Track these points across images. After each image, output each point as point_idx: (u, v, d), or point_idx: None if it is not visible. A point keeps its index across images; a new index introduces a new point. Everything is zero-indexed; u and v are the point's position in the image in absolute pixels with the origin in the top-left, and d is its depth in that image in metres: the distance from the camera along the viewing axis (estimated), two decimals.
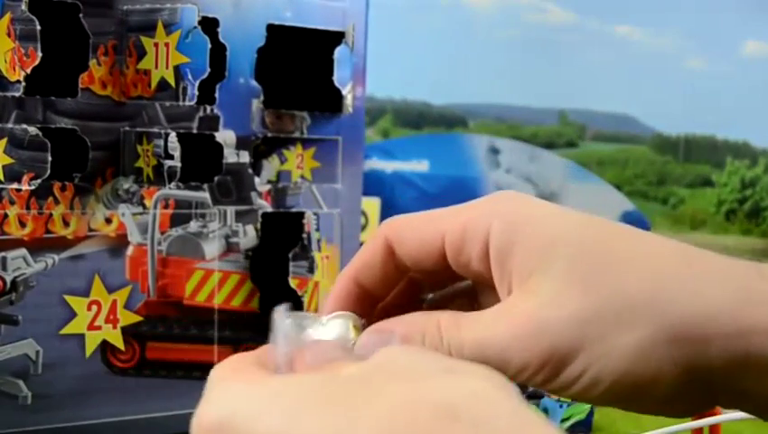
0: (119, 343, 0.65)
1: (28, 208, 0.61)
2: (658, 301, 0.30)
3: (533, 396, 0.67)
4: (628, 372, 0.30)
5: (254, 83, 0.69)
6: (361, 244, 0.83)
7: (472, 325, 0.31)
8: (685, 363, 0.30)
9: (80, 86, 0.62)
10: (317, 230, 0.72)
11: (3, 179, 0.60)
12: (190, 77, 0.64)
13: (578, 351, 0.30)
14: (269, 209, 0.70)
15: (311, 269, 0.72)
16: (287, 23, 0.69)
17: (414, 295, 0.36)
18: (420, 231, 0.33)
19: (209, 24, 0.65)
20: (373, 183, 1.00)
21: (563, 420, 0.68)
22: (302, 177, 0.72)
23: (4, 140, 0.60)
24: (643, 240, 0.32)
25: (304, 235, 0.72)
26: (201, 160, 0.67)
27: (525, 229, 0.31)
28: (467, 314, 0.32)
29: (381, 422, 0.22)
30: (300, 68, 0.72)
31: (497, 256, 0.32)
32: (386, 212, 1.01)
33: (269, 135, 0.70)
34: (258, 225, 0.70)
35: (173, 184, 0.66)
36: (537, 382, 0.31)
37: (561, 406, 0.67)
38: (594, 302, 0.30)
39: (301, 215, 0.71)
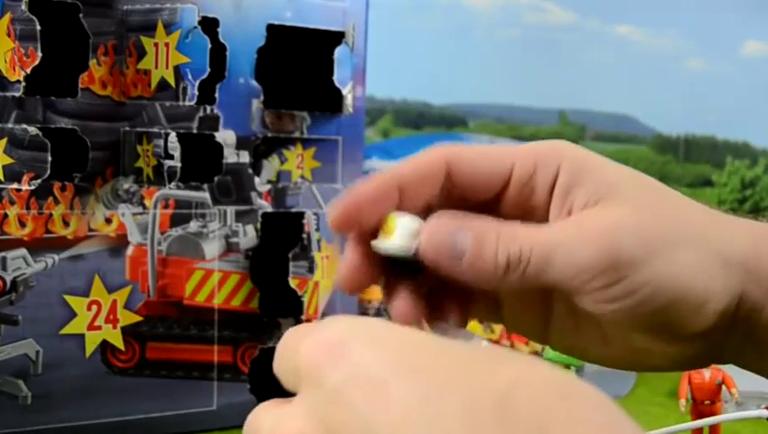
0: (119, 343, 0.65)
1: (28, 208, 0.61)
2: (713, 236, 0.33)
3: None
4: (686, 289, 0.32)
5: (254, 83, 0.69)
6: None
7: (543, 230, 0.32)
8: (733, 291, 0.33)
9: (80, 86, 0.62)
10: (317, 230, 0.72)
11: (3, 179, 0.60)
12: (190, 77, 0.64)
13: (645, 260, 0.32)
14: (269, 209, 0.70)
15: (311, 269, 0.72)
16: (287, 23, 0.69)
17: None
18: (489, 157, 0.34)
19: (209, 24, 0.65)
20: None
21: None
22: (302, 177, 0.72)
23: (4, 140, 0.60)
24: (680, 196, 0.35)
25: (304, 235, 0.72)
26: (201, 160, 0.67)
27: (592, 168, 0.33)
28: (530, 224, 0.33)
29: (503, 384, 0.22)
30: (300, 68, 0.72)
31: (563, 188, 0.33)
32: None
33: (269, 135, 0.70)
34: (258, 225, 0.70)
35: (173, 184, 0.66)
36: (598, 285, 0.32)
37: None
38: (659, 223, 0.32)
39: (301, 215, 0.71)
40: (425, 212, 0.33)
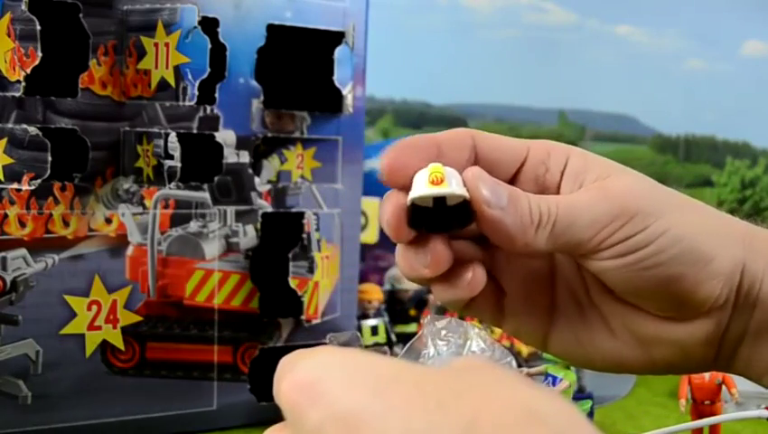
0: (119, 343, 0.65)
1: (28, 208, 0.61)
2: (720, 214, 0.37)
3: None
4: (698, 244, 0.35)
5: (254, 83, 0.69)
6: (361, 244, 0.83)
7: (562, 196, 0.36)
8: (736, 258, 0.36)
9: (80, 86, 0.62)
10: (317, 230, 0.72)
11: (3, 179, 0.60)
12: (190, 77, 0.64)
13: (662, 212, 0.35)
14: (269, 209, 0.70)
15: (311, 269, 0.72)
16: (287, 23, 0.69)
17: None
18: (508, 141, 0.38)
19: (209, 24, 0.65)
20: (373, 183, 0.99)
21: None
22: (302, 177, 0.71)
23: (4, 140, 0.60)
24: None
25: (304, 235, 0.72)
26: (201, 160, 0.67)
27: (597, 162, 0.37)
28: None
29: (468, 416, 0.23)
30: (300, 68, 0.72)
31: (573, 172, 0.37)
32: None
33: (269, 135, 0.70)
34: (258, 225, 0.70)
35: (173, 184, 0.65)
36: (617, 237, 0.35)
37: None
38: (666, 191, 0.36)
39: (301, 215, 0.71)
40: None
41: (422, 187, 0.33)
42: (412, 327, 0.93)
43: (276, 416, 0.27)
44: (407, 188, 0.34)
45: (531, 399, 0.23)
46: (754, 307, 0.36)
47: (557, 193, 0.37)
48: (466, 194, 0.33)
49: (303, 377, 0.26)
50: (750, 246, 0.36)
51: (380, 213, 0.36)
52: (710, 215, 0.37)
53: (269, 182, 0.70)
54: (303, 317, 0.72)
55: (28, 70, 0.60)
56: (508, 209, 0.34)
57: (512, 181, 0.37)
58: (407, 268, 0.36)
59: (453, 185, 0.33)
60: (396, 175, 0.35)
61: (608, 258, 0.35)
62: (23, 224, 0.61)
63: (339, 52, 0.72)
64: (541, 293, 0.38)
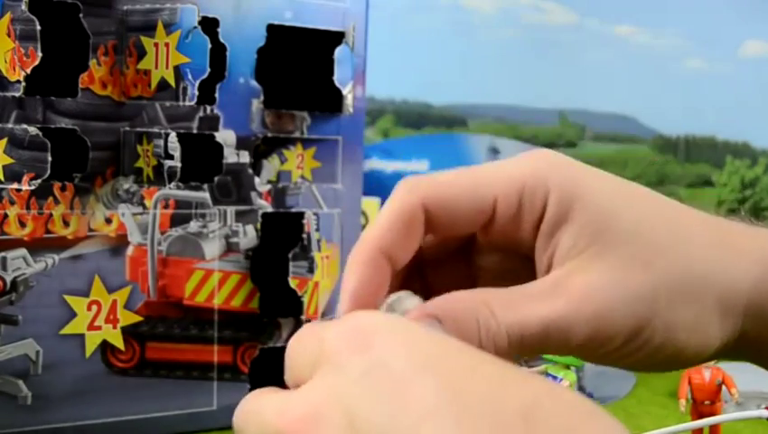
0: (119, 343, 0.65)
1: (28, 208, 0.61)
2: (713, 279, 0.32)
3: None
4: (686, 342, 0.31)
5: (254, 83, 0.69)
6: None
7: (530, 307, 0.30)
8: (731, 333, 0.32)
9: (80, 86, 0.62)
10: (317, 230, 0.72)
11: (3, 179, 0.60)
12: (190, 77, 0.64)
13: (644, 324, 0.30)
14: (269, 209, 0.70)
15: (311, 269, 0.72)
16: (287, 24, 0.69)
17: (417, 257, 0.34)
18: (468, 192, 0.32)
19: (209, 24, 0.65)
20: (373, 183, 1.00)
21: None
22: (302, 177, 0.72)
23: (4, 140, 0.60)
24: (685, 217, 0.33)
25: (304, 235, 0.72)
26: (201, 160, 0.67)
27: (582, 200, 0.31)
28: (511, 290, 0.30)
29: (527, 400, 0.23)
30: (300, 68, 0.72)
31: (549, 225, 0.31)
32: None
33: (269, 135, 0.70)
34: (258, 225, 0.70)
35: (173, 184, 0.66)
36: (597, 354, 0.31)
37: None
38: (654, 280, 0.31)
39: (301, 215, 0.71)
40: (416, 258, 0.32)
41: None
42: None
43: None
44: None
45: (590, 403, 0.23)
46: (761, 351, 0.34)
47: (532, 248, 0.32)
48: None
49: (356, 326, 0.25)
50: (755, 309, 0.32)
51: None
52: (707, 298, 0.31)
53: (269, 182, 0.70)
54: (303, 317, 0.72)
55: (28, 71, 0.60)
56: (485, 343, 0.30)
57: (483, 233, 0.33)
58: None
59: None
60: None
61: (589, 358, 0.32)
62: (23, 224, 0.61)
63: (339, 52, 0.72)
64: None
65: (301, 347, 0.27)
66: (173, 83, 0.64)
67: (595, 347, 0.31)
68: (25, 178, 0.61)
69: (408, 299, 0.31)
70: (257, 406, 0.27)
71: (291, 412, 0.25)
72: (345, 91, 0.72)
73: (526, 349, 0.30)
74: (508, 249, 0.33)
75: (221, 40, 0.66)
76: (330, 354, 0.25)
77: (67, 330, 0.63)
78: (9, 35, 0.59)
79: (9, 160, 0.60)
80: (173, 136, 0.65)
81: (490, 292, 0.30)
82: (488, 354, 0.25)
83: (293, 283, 0.71)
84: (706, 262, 0.32)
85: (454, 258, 0.34)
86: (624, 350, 0.31)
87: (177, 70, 0.64)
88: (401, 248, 0.32)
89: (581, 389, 0.76)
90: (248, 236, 0.69)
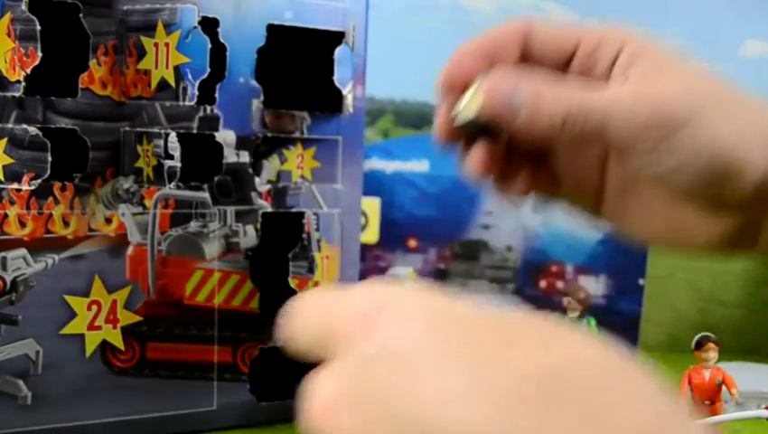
0: (119, 343, 0.65)
1: (28, 208, 0.61)
2: (761, 111, 0.37)
3: None
4: (727, 150, 0.35)
5: (254, 83, 0.69)
6: (361, 244, 0.83)
7: (600, 91, 0.35)
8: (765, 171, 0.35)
9: (80, 86, 0.62)
10: (317, 230, 0.72)
11: (3, 179, 0.60)
12: (190, 77, 0.64)
13: (696, 113, 0.35)
14: (269, 209, 0.70)
15: (311, 269, 0.72)
16: (287, 24, 0.69)
17: None
18: (559, 33, 0.39)
19: (209, 24, 0.65)
20: (373, 184, 1.00)
21: None
22: (302, 177, 0.71)
23: (4, 140, 0.60)
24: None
25: (304, 235, 0.72)
26: (201, 160, 0.67)
27: (650, 50, 0.37)
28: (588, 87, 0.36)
29: (489, 385, 0.22)
30: (300, 68, 0.72)
31: (622, 65, 0.37)
32: (386, 212, 1.01)
33: (269, 135, 0.70)
34: (258, 225, 0.70)
35: (173, 184, 0.65)
36: (649, 140, 0.35)
37: None
38: (708, 88, 0.36)
39: (301, 215, 0.71)
40: None
41: (459, 107, 0.37)
42: None
43: (275, 416, 0.27)
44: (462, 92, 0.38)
45: (617, 360, 0.23)
46: None
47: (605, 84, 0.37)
48: (472, 114, 0.37)
49: (361, 306, 0.25)
50: None
51: (436, 122, 0.39)
52: (748, 117, 0.36)
53: (269, 182, 0.70)
54: None
55: (28, 71, 0.60)
56: (528, 111, 0.35)
57: (562, 73, 0.38)
58: (464, 169, 0.39)
59: (461, 108, 0.37)
60: (448, 89, 0.38)
61: (640, 160, 0.36)
62: (23, 224, 0.61)
63: (339, 52, 0.72)
64: (591, 178, 0.40)
65: (306, 324, 0.27)
66: (173, 83, 0.64)
67: (649, 132, 0.35)
68: (25, 178, 0.61)
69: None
70: (312, 385, 0.26)
71: (312, 402, 0.25)
72: (345, 91, 0.72)
73: (588, 126, 0.35)
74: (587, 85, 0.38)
75: (221, 40, 0.66)
76: (339, 338, 0.25)
77: (67, 330, 0.63)
78: (9, 35, 0.59)
79: (9, 160, 0.60)
80: (173, 136, 0.65)
81: (576, 84, 0.36)
82: (503, 317, 0.24)
83: (293, 283, 0.71)
84: (753, 103, 0.37)
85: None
86: (676, 141, 0.34)
87: (177, 70, 0.64)
88: (502, 49, 0.37)
89: None
90: (248, 236, 0.69)
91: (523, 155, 0.39)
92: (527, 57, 0.38)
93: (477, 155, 0.38)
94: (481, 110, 0.36)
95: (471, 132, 0.38)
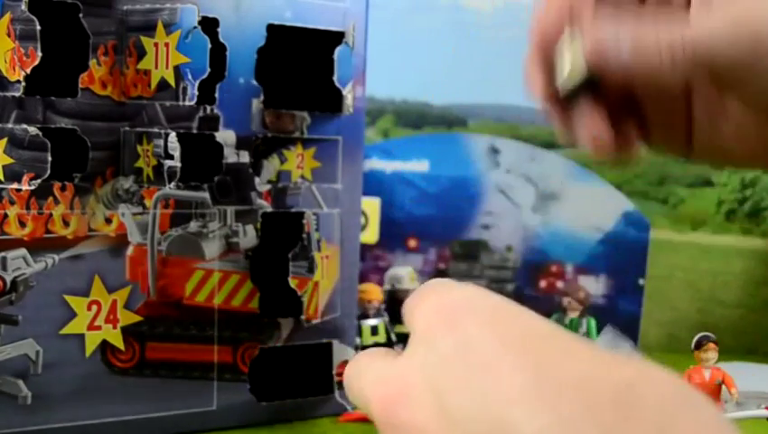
0: (119, 343, 0.65)
1: (28, 208, 0.61)
2: None
3: None
4: None
5: (254, 83, 0.69)
6: (361, 244, 0.83)
7: (696, 19, 0.33)
8: None
9: (80, 86, 0.62)
10: (317, 230, 0.72)
11: (3, 179, 0.60)
12: (190, 77, 0.64)
13: None
14: (269, 209, 0.70)
15: (311, 269, 0.72)
16: (287, 23, 0.69)
17: None
18: None
19: (209, 24, 0.65)
20: (373, 183, 1.00)
21: None
22: (302, 177, 0.71)
23: (4, 140, 0.60)
24: None
25: (304, 235, 0.72)
26: (201, 160, 0.67)
27: None
28: (676, 14, 0.35)
29: (583, 387, 0.22)
30: (300, 68, 0.72)
31: None
32: (386, 212, 1.01)
33: (269, 135, 0.70)
34: (258, 225, 0.70)
35: (173, 184, 0.65)
36: (756, 62, 0.33)
37: None
38: None
39: (301, 215, 0.71)
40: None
41: (562, 71, 0.36)
42: None
43: (275, 416, 0.27)
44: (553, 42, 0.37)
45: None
46: None
47: (687, 6, 0.35)
48: (583, 71, 0.35)
49: (447, 302, 0.25)
50: None
51: (527, 74, 0.38)
52: None
53: (269, 182, 0.70)
54: (303, 317, 0.72)
55: (28, 70, 0.60)
56: (639, 56, 0.34)
57: (641, 6, 0.37)
58: (577, 138, 0.38)
59: (567, 69, 0.36)
60: (541, 47, 0.37)
61: (740, 85, 0.34)
62: (23, 224, 0.61)
63: (339, 52, 0.72)
64: (680, 117, 0.39)
65: (408, 310, 0.27)
66: (173, 83, 0.64)
67: (759, 54, 0.32)
68: (25, 178, 0.61)
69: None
70: (362, 368, 0.27)
71: (384, 386, 0.25)
72: (345, 91, 0.72)
73: (698, 56, 0.33)
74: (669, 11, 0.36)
75: (221, 40, 0.66)
76: (421, 330, 0.25)
77: (67, 330, 0.63)
78: (9, 35, 0.59)
79: (9, 160, 0.60)
80: (172, 136, 0.65)
81: (668, 15, 0.34)
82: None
83: (293, 283, 0.71)
84: None
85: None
86: None
87: (177, 70, 0.64)
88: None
89: None
90: (248, 236, 0.69)
91: (618, 112, 0.38)
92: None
93: (589, 121, 0.36)
94: (588, 64, 0.35)
95: (575, 95, 0.36)
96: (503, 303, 0.26)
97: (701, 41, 0.33)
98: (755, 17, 0.33)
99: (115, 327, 0.65)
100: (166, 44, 0.64)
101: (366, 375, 0.27)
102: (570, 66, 0.35)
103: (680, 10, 0.36)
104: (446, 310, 0.25)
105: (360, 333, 0.83)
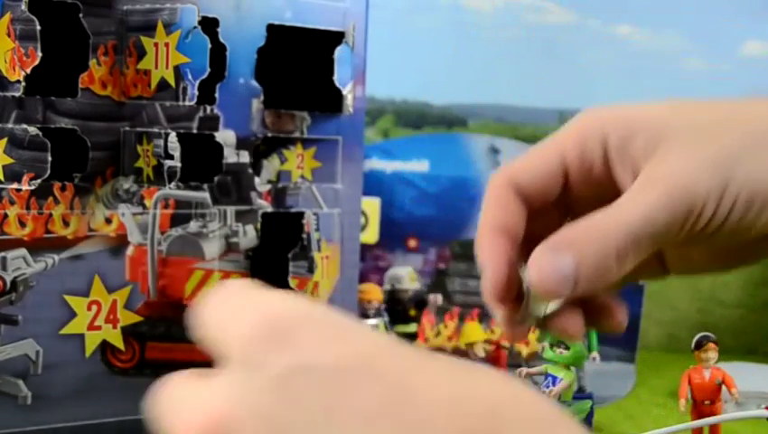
0: (119, 343, 0.65)
1: (28, 208, 0.61)
2: None
3: None
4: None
5: (254, 83, 0.69)
6: (361, 244, 0.83)
7: (628, 208, 0.32)
8: None
9: (80, 86, 0.62)
10: (317, 230, 0.72)
11: (3, 179, 0.60)
12: (190, 77, 0.64)
13: (726, 182, 0.32)
14: (269, 209, 0.70)
15: (311, 269, 0.72)
16: (287, 23, 0.69)
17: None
18: (540, 158, 0.36)
19: (209, 24, 0.65)
20: (373, 184, 1.00)
21: None
22: (302, 177, 0.71)
23: (4, 140, 0.60)
24: (736, 103, 0.35)
25: (304, 235, 0.72)
26: (201, 160, 0.67)
27: (636, 120, 0.34)
28: (611, 207, 0.33)
29: (490, 403, 0.21)
30: (300, 68, 0.72)
31: (617, 149, 0.34)
32: (386, 212, 1.01)
33: (269, 135, 0.70)
34: (258, 225, 0.70)
35: (173, 184, 0.65)
36: (698, 227, 0.33)
37: (561, 406, 0.67)
38: (722, 143, 0.33)
39: (301, 215, 0.71)
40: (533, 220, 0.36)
41: (524, 314, 0.35)
42: (412, 327, 0.93)
43: None
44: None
45: (543, 399, 0.22)
46: None
47: (615, 185, 0.35)
48: (541, 315, 0.35)
49: (273, 316, 0.22)
50: None
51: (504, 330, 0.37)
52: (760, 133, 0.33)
53: (269, 182, 0.70)
54: None
55: (28, 70, 0.60)
56: (588, 280, 0.32)
57: (570, 194, 0.36)
58: (560, 336, 0.37)
59: (526, 315, 0.35)
60: (501, 302, 0.35)
61: (695, 244, 0.34)
62: (23, 224, 0.61)
63: (339, 52, 0.72)
64: (651, 262, 0.38)
65: (217, 323, 0.23)
66: (173, 83, 0.64)
67: (695, 222, 0.32)
68: (25, 178, 0.61)
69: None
70: (174, 394, 0.23)
71: (201, 415, 0.21)
72: (345, 91, 0.72)
73: (641, 248, 0.32)
74: (599, 196, 0.35)
75: (221, 40, 0.66)
76: (244, 346, 0.22)
77: (67, 330, 0.63)
78: (9, 35, 0.59)
79: (9, 160, 0.60)
80: (172, 137, 0.65)
81: (595, 213, 0.33)
82: (429, 353, 0.23)
83: (293, 283, 0.71)
84: (765, 115, 0.34)
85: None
86: (720, 214, 0.32)
87: (177, 70, 0.64)
88: (510, 221, 0.35)
89: (581, 389, 0.76)
90: (248, 236, 0.69)
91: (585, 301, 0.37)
92: (528, 202, 0.35)
93: (566, 323, 0.35)
94: (545, 305, 0.34)
95: (540, 322, 0.36)
96: (339, 317, 0.22)
97: (639, 219, 0.32)
98: (682, 182, 0.32)
99: (115, 327, 0.65)
100: (166, 44, 0.64)
101: (179, 403, 0.22)
102: (528, 314, 0.35)
103: (607, 184, 0.35)
104: (275, 324, 0.22)
105: None
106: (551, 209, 0.37)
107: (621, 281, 0.38)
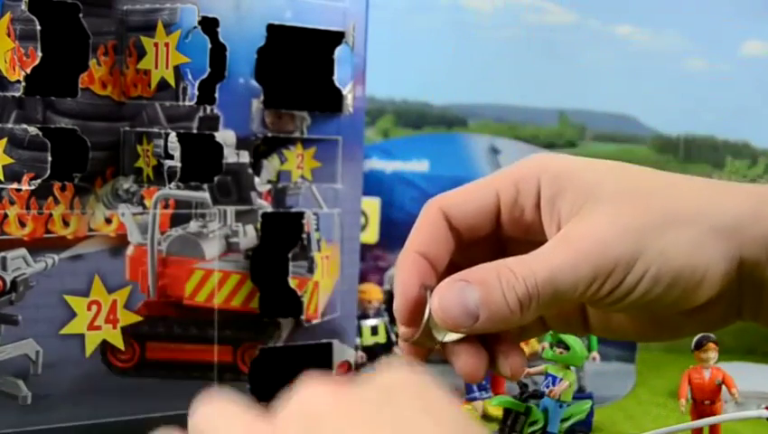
0: (119, 343, 0.65)
1: (28, 208, 0.61)
2: (704, 211, 0.34)
3: (533, 396, 0.67)
4: (683, 267, 0.33)
5: (254, 83, 0.69)
6: (361, 244, 0.83)
7: (539, 260, 0.34)
8: (729, 257, 0.34)
9: (80, 86, 0.62)
10: (317, 230, 0.72)
11: (3, 179, 0.60)
12: (190, 77, 0.64)
13: (638, 254, 0.33)
14: (269, 209, 0.70)
15: (311, 269, 0.72)
16: (287, 23, 0.69)
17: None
18: (475, 194, 0.37)
19: (209, 24, 0.65)
20: (373, 184, 1.00)
21: (563, 420, 0.68)
22: (302, 177, 0.71)
23: (4, 140, 0.60)
24: (670, 175, 0.37)
25: (304, 235, 0.71)
26: (201, 160, 0.67)
27: (571, 176, 0.35)
28: (528, 253, 0.34)
29: None
30: (300, 68, 0.72)
31: (548, 201, 0.36)
32: (386, 212, 1.01)
33: (269, 135, 0.70)
34: (258, 225, 0.70)
35: (173, 184, 0.65)
36: (603, 292, 0.34)
37: (561, 406, 0.67)
38: (644, 215, 0.34)
39: (301, 215, 0.71)
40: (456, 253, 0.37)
41: (431, 337, 0.36)
42: None
43: None
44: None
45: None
46: (762, 285, 0.35)
47: (541, 227, 0.36)
48: (437, 342, 0.36)
49: (302, 409, 0.24)
50: (750, 233, 0.34)
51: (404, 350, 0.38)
52: (698, 224, 0.34)
53: (269, 182, 0.70)
54: (303, 317, 0.72)
55: (28, 70, 0.60)
56: (487, 320, 0.33)
57: (502, 232, 0.38)
58: (459, 373, 0.37)
59: (422, 338, 0.36)
60: (411, 322, 0.36)
61: (600, 305, 0.35)
62: (23, 224, 0.61)
63: (339, 52, 0.72)
64: (573, 316, 0.40)
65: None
66: (173, 83, 0.64)
67: (600, 286, 0.33)
68: (25, 178, 0.61)
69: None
70: (219, 426, 0.25)
71: None
72: (345, 91, 0.72)
73: (544, 301, 0.33)
74: (528, 238, 0.37)
75: (221, 40, 0.66)
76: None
77: (67, 330, 0.63)
78: (9, 35, 0.59)
79: (9, 160, 0.60)
80: (172, 136, 0.65)
81: (509, 258, 0.34)
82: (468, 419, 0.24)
83: (293, 283, 0.71)
84: (695, 198, 0.35)
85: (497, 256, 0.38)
86: (627, 284, 0.33)
87: (177, 70, 0.64)
88: (435, 249, 0.37)
89: (581, 389, 0.76)
90: (248, 236, 0.69)
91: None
92: (458, 234, 0.37)
93: (464, 361, 0.36)
94: (443, 333, 0.35)
95: (444, 344, 0.37)
96: (365, 404, 0.24)
97: (546, 274, 0.33)
98: (596, 244, 0.33)
99: (115, 327, 0.65)
100: (166, 44, 0.64)
101: None
102: (429, 334, 0.36)
103: (535, 228, 0.37)
104: (303, 419, 0.23)
105: (360, 333, 0.83)
106: (483, 243, 0.38)
107: (535, 331, 0.40)
